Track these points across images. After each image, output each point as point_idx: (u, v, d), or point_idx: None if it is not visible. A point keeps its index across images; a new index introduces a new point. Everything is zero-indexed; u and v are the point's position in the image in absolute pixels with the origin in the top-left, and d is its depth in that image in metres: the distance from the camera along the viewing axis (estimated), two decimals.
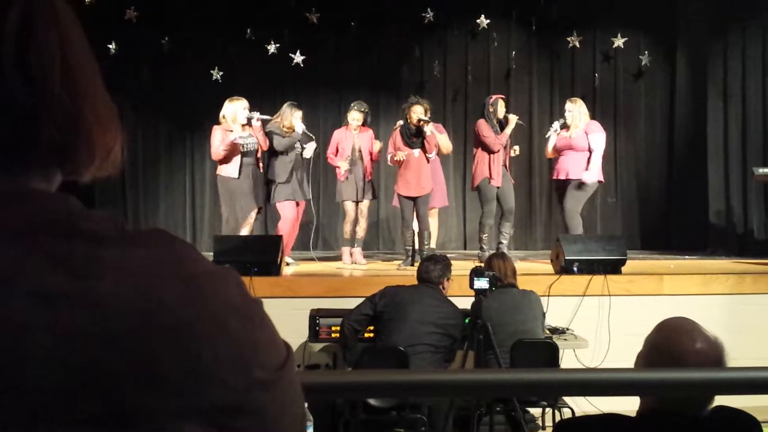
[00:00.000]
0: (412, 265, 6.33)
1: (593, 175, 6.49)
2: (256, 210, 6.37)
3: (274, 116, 6.43)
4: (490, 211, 6.57)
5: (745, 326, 5.24)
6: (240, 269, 4.78)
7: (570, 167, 6.50)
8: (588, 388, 1.60)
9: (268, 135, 6.36)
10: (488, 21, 8.85)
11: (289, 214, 6.40)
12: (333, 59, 8.76)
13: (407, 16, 8.71)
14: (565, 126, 6.61)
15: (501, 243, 6.53)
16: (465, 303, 4.16)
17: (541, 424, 4.67)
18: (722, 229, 8.17)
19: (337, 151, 6.69)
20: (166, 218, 8.81)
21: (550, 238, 7.94)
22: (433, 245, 6.71)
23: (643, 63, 9.01)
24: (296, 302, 4.96)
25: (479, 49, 9.08)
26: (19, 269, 0.47)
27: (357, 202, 6.68)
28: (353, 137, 6.66)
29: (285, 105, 6.51)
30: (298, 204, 6.49)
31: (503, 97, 6.96)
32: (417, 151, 6.38)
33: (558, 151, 6.63)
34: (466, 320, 4.07)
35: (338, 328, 4.45)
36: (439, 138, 6.58)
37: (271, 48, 8.61)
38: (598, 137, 6.57)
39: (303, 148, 6.48)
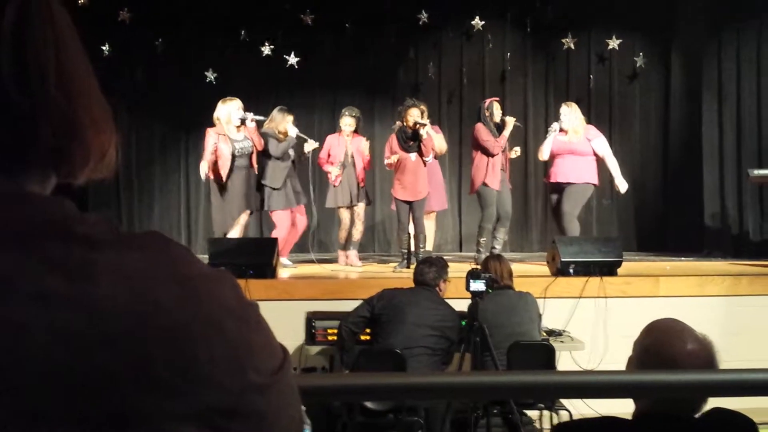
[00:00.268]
0: (408, 267, 6.33)
1: (623, 181, 6.64)
2: (247, 213, 6.36)
3: (267, 119, 6.42)
4: (490, 215, 6.56)
5: (741, 328, 5.25)
6: (235, 272, 4.75)
7: (570, 171, 6.49)
8: (585, 390, 1.60)
9: (264, 137, 6.35)
10: (483, 23, 8.87)
11: (283, 223, 6.41)
12: (328, 61, 8.76)
13: (402, 17, 8.72)
14: (561, 129, 6.60)
15: (494, 248, 6.54)
16: (462, 305, 4.16)
17: (538, 427, 4.66)
18: (718, 231, 8.19)
19: (329, 156, 6.68)
20: (161, 220, 8.80)
21: (546, 240, 7.96)
22: (429, 248, 6.71)
23: (637, 65, 9.04)
24: (292, 305, 4.95)
25: (474, 50, 9.09)
26: (18, 271, 0.48)
27: (351, 207, 6.67)
28: (346, 143, 6.66)
29: (275, 110, 6.49)
30: (293, 209, 6.49)
31: (498, 99, 6.97)
32: (413, 155, 6.37)
33: (554, 154, 6.61)
34: (463, 322, 4.07)
35: (334, 331, 4.45)
36: (435, 138, 6.59)
37: (266, 49, 8.61)
38: (602, 142, 6.62)
39: (300, 152, 6.47)
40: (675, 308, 4.99)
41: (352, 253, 6.77)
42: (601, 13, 8.89)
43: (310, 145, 6.46)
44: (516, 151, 6.79)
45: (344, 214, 6.70)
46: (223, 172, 6.13)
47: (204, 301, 0.52)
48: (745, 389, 1.46)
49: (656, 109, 9.20)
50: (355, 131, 6.72)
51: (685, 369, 1.66)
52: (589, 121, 7.01)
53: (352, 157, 6.64)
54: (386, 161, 6.56)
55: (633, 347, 1.82)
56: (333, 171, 6.59)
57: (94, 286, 0.48)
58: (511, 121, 6.60)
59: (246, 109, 6.39)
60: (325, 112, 8.67)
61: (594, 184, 6.66)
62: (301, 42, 8.64)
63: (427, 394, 1.79)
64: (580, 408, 4.18)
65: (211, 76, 8.55)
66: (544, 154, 6.69)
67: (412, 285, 4.37)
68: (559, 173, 6.56)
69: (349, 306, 4.42)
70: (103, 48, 8.15)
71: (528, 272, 5.83)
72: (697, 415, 1.70)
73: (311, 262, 6.76)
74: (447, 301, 4.29)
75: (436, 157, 6.87)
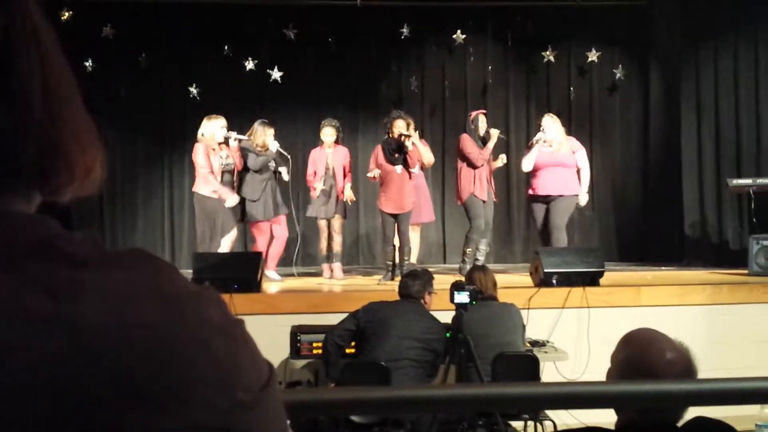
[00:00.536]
0: (392, 279, 6.33)
1: (587, 195, 6.68)
2: (235, 228, 6.36)
3: (248, 134, 6.42)
4: (478, 226, 6.56)
5: (723, 336, 5.30)
6: (220, 286, 4.76)
7: (559, 183, 6.49)
8: (569, 401, 1.60)
9: (243, 151, 6.35)
10: (464, 36, 8.93)
11: (262, 234, 6.40)
12: (311, 75, 8.79)
13: (384, 32, 8.76)
14: (544, 141, 6.63)
15: (477, 260, 6.55)
16: (446, 317, 4.16)
17: None
18: (698, 240, 8.27)
19: (315, 173, 6.69)
20: (145, 235, 8.74)
21: (529, 252, 7.98)
22: (413, 260, 6.71)
23: (617, 77, 9.14)
24: (277, 319, 4.93)
25: (456, 64, 9.15)
26: (2, 292, 0.47)
27: (329, 220, 6.67)
28: (326, 155, 6.67)
29: (256, 123, 6.49)
30: (272, 221, 6.45)
31: (484, 112, 7.01)
32: (399, 168, 6.38)
33: (540, 166, 6.58)
34: (447, 334, 4.07)
35: (320, 345, 4.43)
36: (422, 150, 6.61)
37: (249, 64, 8.61)
38: (584, 155, 6.68)
39: (278, 171, 6.46)
40: (657, 317, 5.02)
41: (336, 266, 6.76)
42: (580, 27, 8.99)
43: (285, 173, 6.44)
44: (502, 159, 6.80)
45: (322, 226, 6.71)
46: (215, 183, 6.14)
47: (189, 319, 0.51)
48: (728, 398, 1.48)
49: (636, 120, 9.29)
50: (336, 142, 6.73)
51: (666, 378, 1.67)
52: (569, 133, 7.06)
53: (333, 169, 6.64)
54: (368, 174, 6.58)
55: (611, 360, 1.82)
56: (318, 187, 6.60)
57: (77, 306, 0.48)
58: (495, 133, 6.64)
59: (229, 124, 6.39)
60: (309, 126, 8.66)
61: (576, 195, 6.70)
62: (285, 57, 8.66)
63: (412, 407, 1.79)
64: (564, 418, 4.20)
65: (194, 91, 8.53)
66: (527, 166, 6.65)
67: (398, 298, 4.37)
68: (548, 185, 6.52)
69: (334, 319, 4.41)
70: (87, 64, 8.12)
71: (511, 283, 5.85)
72: (679, 424, 1.71)
73: (291, 276, 6.73)
74: (432, 313, 4.29)
75: (422, 169, 6.88)
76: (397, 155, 6.39)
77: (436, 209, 8.86)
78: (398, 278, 6.26)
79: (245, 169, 6.38)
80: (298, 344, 4.58)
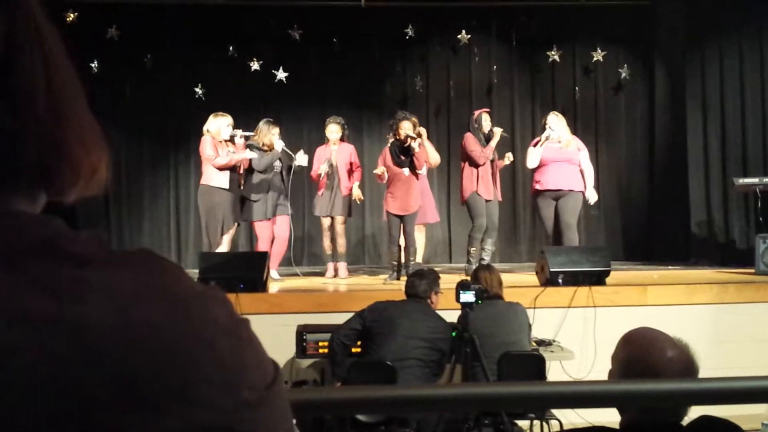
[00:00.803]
0: (398, 279, 6.33)
1: (594, 192, 6.66)
2: (234, 226, 6.39)
3: (253, 133, 6.43)
4: (480, 225, 6.56)
5: (729, 335, 5.28)
6: (226, 286, 4.76)
7: (566, 178, 6.48)
8: (576, 400, 1.60)
9: (249, 149, 6.35)
10: (469, 36, 8.93)
11: (263, 234, 6.41)
12: (315, 76, 8.79)
13: (389, 32, 8.76)
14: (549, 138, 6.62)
15: (482, 259, 6.55)
16: (452, 316, 4.16)
17: None
18: (704, 239, 8.25)
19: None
20: (151, 235, 8.77)
21: (535, 251, 7.98)
22: (419, 260, 6.71)
23: (622, 76, 9.12)
24: (283, 318, 4.94)
25: (461, 64, 9.15)
26: (3, 293, 0.47)
27: (332, 218, 6.67)
28: (331, 152, 6.67)
29: (261, 122, 6.49)
30: (272, 221, 6.45)
31: (488, 111, 7.00)
32: (406, 170, 6.38)
33: (547, 161, 6.55)
34: (453, 333, 4.07)
35: (325, 344, 4.43)
36: (429, 150, 6.61)
37: (254, 65, 8.62)
38: (586, 155, 6.67)
39: (289, 166, 6.47)
40: (663, 317, 5.01)
41: (341, 265, 6.76)
42: (585, 26, 8.97)
43: (300, 160, 6.44)
44: (509, 157, 6.79)
45: (326, 224, 6.71)
46: (226, 175, 6.16)
47: (195, 319, 0.51)
48: (735, 397, 1.47)
49: (641, 119, 9.27)
50: (341, 139, 6.73)
51: (668, 376, 1.67)
52: (574, 132, 7.05)
53: (337, 165, 6.63)
54: (375, 171, 6.58)
55: (612, 361, 1.82)
56: (323, 168, 6.58)
57: (82, 306, 0.47)
58: (498, 132, 6.63)
59: (235, 126, 6.41)
60: (314, 126, 8.68)
61: (582, 192, 6.69)
62: (289, 57, 8.67)
63: (418, 406, 1.79)
64: (570, 417, 4.19)
65: (199, 92, 8.55)
66: (532, 162, 6.64)
67: (404, 297, 4.37)
68: (558, 180, 6.49)
69: (339, 319, 4.41)
70: (92, 65, 8.15)
71: (517, 282, 5.84)
72: (684, 423, 1.70)
73: (296, 275, 6.74)
74: (438, 312, 4.29)
75: (429, 169, 6.88)
76: (403, 158, 6.38)
77: (442, 209, 8.87)
78: (404, 278, 6.27)
79: (249, 169, 6.39)
80: (304, 344, 4.58)
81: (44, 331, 0.46)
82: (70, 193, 0.57)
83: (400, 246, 6.52)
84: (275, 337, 4.52)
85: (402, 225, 6.46)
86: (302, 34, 8.70)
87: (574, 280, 5.42)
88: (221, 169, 6.18)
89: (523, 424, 4.35)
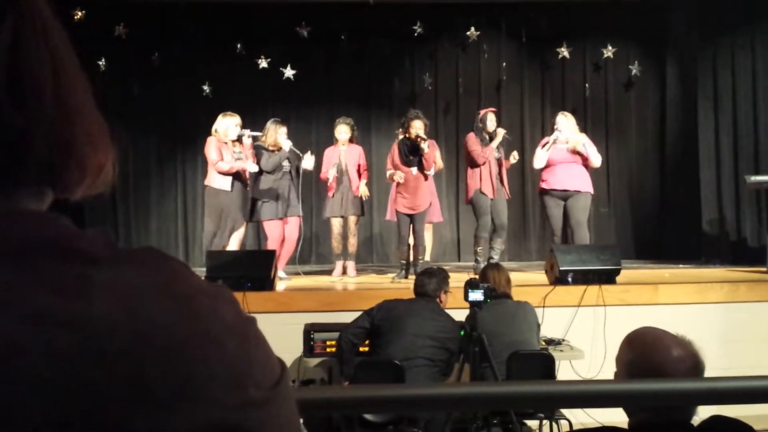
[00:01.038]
0: (406, 278, 6.34)
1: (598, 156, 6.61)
2: (244, 225, 6.39)
3: (261, 133, 6.43)
4: (485, 224, 6.57)
5: (741, 334, 5.26)
6: (233, 284, 4.77)
7: (573, 179, 6.47)
8: (585, 399, 1.59)
9: (257, 152, 6.36)
10: (478, 33, 8.91)
11: (274, 234, 6.41)
12: (324, 73, 8.81)
13: (397, 29, 8.76)
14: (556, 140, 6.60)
15: (492, 258, 6.54)
16: (460, 315, 4.15)
17: None
18: (716, 238, 8.20)
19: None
20: (158, 234, 8.80)
21: (544, 249, 7.96)
22: (427, 258, 6.71)
23: (633, 73, 9.08)
24: (290, 317, 4.94)
25: (470, 61, 9.13)
26: (11, 291, 0.47)
27: (344, 218, 6.66)
28: (340, 152, 6.67)
29: (269, 122, 6.49)
30: (284, 221, 6.46)
31: (494, 110, 6.98)
32: (414, 170, 6.38)
33: (555, 162, 6.55)
34: (461, 333, 4.06)
35: (333, 343, 4.43)
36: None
37: (262, 62, 8.63)
38: (594, 150, 6.65)
39: (297, 167, 6.47)
40: (674, 315, 4.99)
41: (350, 264, 6.76)
42: (595, 23, 8.94)
43: (307, 163, 6.44)
44: (514, 156, 6.78)
45: (335, 224, 6.69)
46: (228, 178, 6.17)
47: (202, 317, 0.51)
48: (747, 396, 1.46)
49: (652, 116, 9.23)
50: (351, 140, 6.72)
51: (675, 376, 1.65)
52: (584, 130, 7.03)
53: (346, 166, 6.63)
54: (392, 176, 6.54)
55: (616, 363, 1.80)
56: (331, 173, 6.58)
57: (88, 304, 0.47)
58: (501, 133, 6.61)
59: (243, 123, 6.41)
60: (322, 124, 8.70)
61: (591, 192, 6.67)
62: (297, 55, 8.68)
63: (426, 405, 1.78)
64: (580, 417, 4.18)
65: (207, 90, 8.57)
66: (539, 163, 6.64)
67: (413, 296, 4.36)
68: (565, 181, 6.49)
69: (347, 318, 4.41)
70: (100, 63, 8.18)
71: (526, 281, 5.83)
72: (696, 423, 1.69)
73: (297, 275, 6.73)
74: (447, 311, 4.28)
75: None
76: (412, 157, 6.37)
77: (451, 208, 8.87)
78: (412, 276, 6.27)
79: (258, 169, 6.39)
80: (312, 342, 4.59)
81: (51, 329, 0.46)
82: (77, 191, 0.57)
83: (409, 245, 6.52)
84: (282, 336, 4.52)
85: (411, 224, 6.46)
86: (310, 31, 8.71)
87: (584, 278, 5.40)
88: (223, 173, 6.18)
89: (532, 423, 4.34)
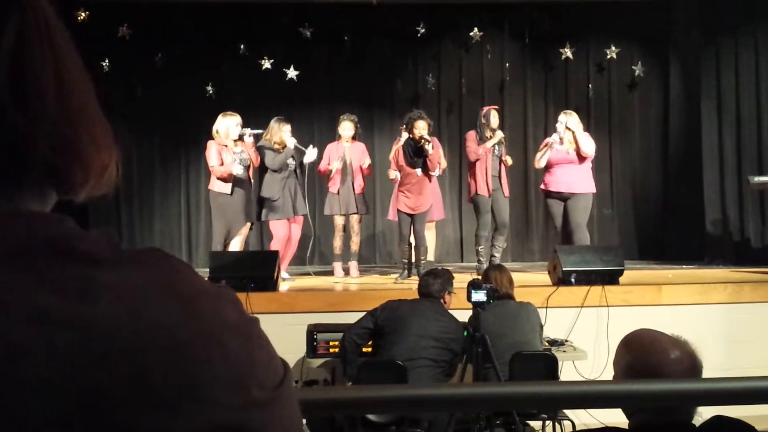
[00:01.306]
0: (409, 277, 6.33)
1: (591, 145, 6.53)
2: (248, 226, 6.38)
3: (264, 132, 6.43)
4: (485, 222, 6.57)
5: (744, 335, 5.25)
6: (236, 285, 4.78)
7: (572, 180, 6.47)
8: (588, 400, 1.59)
9: (260, 151, 6.35)
10: (481, 33, 8.90)
11: (280, 234, 6.40)
12: (327, 74, 8.80)
13: (400, 29, 8.76)
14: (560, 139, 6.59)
15: (493, 257, 6.54)
16: (463, 316, 4.15)
17: None
18: (719, 238, 8.18)
19: (329, 164, 6.67)
20: (162, 235, 8.81)
21: (547, 250, 7.95)
22: (431, 258, 6.71)
23: (636, 74, 9.07)
24: (293, 317, 4.94)
25: (473, 61, 9.13)
26: (14, 289, 0.47)
27: (347, 216, 6.65)
28: (344, 149, 6.66)
29: (272, 120, 6.49)
30: (291, 220, 6.47)
31: (497, 108, 6.98)
32: (419, 171, 6.37)
33: (554, 163, 6.56)
34: (464, 333, 4.06)
35: (336, 344, 4.43)
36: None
37: (265, 63, 8.64)
38: (592, 144, 6.60)
39: (300, 161, 6.47)
40: (677, 316, 4.99)
41: (352, 264, 6.75)
42: (598, 23, 8.94)
43: (309, 156, 6.45)
44: (508, 159, 6.76)
45: (339, 223, 6.68)
46: (228, 181, 6.17)
47: (204, 318, 0.51)
48: (749, 397, 1.46)
49: (655, 117, 9.22)
50: (354, 138, 6.72)
51: (674, 377, 1.65)
52: (587, 131, 7.01)
53: (350, 163, 6.62)
54: (390, 176, 6.53)
55: (614, 366, 1.80)
56: (335, 165, 6.57)
57: (92, 305, 0.47)
58: (498, 136, 6.61)
59: (246, 123, 6.41)
60: (325, 124, 8.69)
61: (593, 193, 6.65)
62: (300, 55, 8.68)
63: (429, 406, 1.78)
64: (583, 418, 4.17)
65: (210, 90, 8.57)
66: (540, 163, 6.66)
67: (417, 296, 4.35)
68: (562, 182, 6.50)
69: (350, 318, 4.41)
70: (103, 64, 8.19)
71: (529, 282, 5.82)
72: (698, 424, 1.69)
73: (308, 275, 6.75)
74: (450, 312, 4.28)
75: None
76: (416, 158, 6.37)
77: (454, 208, 8.86)
78: (415, 276, 6.27)
79: (263, 168, 6.38)
80: (315, 343, 4.59)
81: (55, 330, 0.46)
82: (81, 192, 0.57)
83: (410, 244, 6.52)
84: (286, 336, 4.52)
85: (412, 224, 6.45)
86: (313, 32, 8.71)
87: (587, 279, 5.40)
88: (221, 179, 6.18)
89: (535, 424, 4.34)
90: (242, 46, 8.60)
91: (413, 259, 6.49)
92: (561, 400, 1.76)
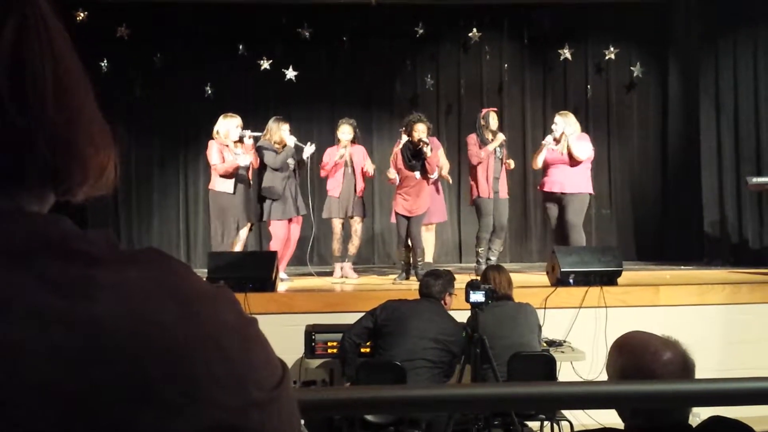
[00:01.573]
0: (407, 279, 6.33)
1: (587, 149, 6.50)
2: (248, 226, 6.38)
3: (263, 133, 6.42)
4: (487, 225, 6.58)
5: (742, 336, 5.25)
6: (235, 285, 4.77)
7: (566, 181, 6.48)
8: (586, 401, 1.59)
9: (259, 152, 6.35)
10: (480, 34, 8.91)
11: (280, 234, 6.39)
12: (325, 74, 8.81)
13: (399, 30, 8.76)
14: (555, 139, 6.60)
15: (489, 259, 6.54)
16: (461, 316, 4.15)
17: None
18: (717, 239, 8.19)
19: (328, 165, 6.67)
20: (160, 235, 8.80)
21: (546, 251, 7.95)
22: (429, 259, 6.71)
23: (635, 74, 9.07)
24: (292, 318, 4.94)
25: (471, 62, 9.14)
26: (14, 289, 0.47)
27: (348, 219, 6.65)
28: (345, 151, 6.65)
29: (271, 121, 6.48)
30: (291, 221, 6.48)
31: (495, 110, 6.98)
32: (417, 174, 6.36)
33: (549, 163, 6.59)
34: (463, 334, 4.05)
35: (334, 344, 4.43)
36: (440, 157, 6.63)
37: (264, 64, 8.64)
38: (584, 144, 6.59)
39: (300, 159, 6.47)
40: (675, 317, 4.99)
41: (347, 266, 6.73)
42: (597, 24, 8.94)
43: (308, 151, 6.45)
44: (509, 164, 6.77)
45: (337, 226, 6.67)
46: (230, 180, 6.17)
47: (203, 318, 0.51)
48: (746, 398, 1.46)
49: (654, 117, 9.23)
50: (353, 141, 6.72)
51: (667, 378, 1.65)
52: (586, 132, 7.02)
53: (352, 166, 6.62)
54: (390, 175, 6.53)
55: (607, 370, 1.80)
56: (340, 152, 6.54)
57: (92, 305, 0.48)
58: (500, 138, 6.62)
59: (245, 124, 6.41)
60: (324, 125, 8.69)
61: (589, 194, 6.66)
62: (299, 56, 8.68)
63: (428, 406, 1.78)
64: (581, 418, 4.18)
65: (209, 91, 8.57)
66: (537, 163, 6.71)
67: (417, 297, 4.35)
68: (555, 183, 6.53)
69: (349, 319, 4.41)
70: (102, 64, 8.18)
71: (527, 283, 5.83)
72: (695, 425, 1.69)
73: (309, 275, 6.74)
74: (450, 314, 4.27)
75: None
76: (415, 161, 6.36)
77: (452, 209, 8.85)
78: (413, 278, 6.27)
79: (263, 168, 6.38)
80: (313, 344, 4.58)
81: (56, 330, 0.46)
82: (79, 192, 0.57)
83: (408, 246, 6.52)
84: (284, 337, 4.52)
85: (408, 226, 6.45)
86: (312, 32, 8.71)
87: (586, 280, 5.40)
88: (223, 175, 6.18)
89: (533, 425, 4.34)
90: (241, 47, 8.60)
91: (411, 261, 6.49)
92: (559, 401, 1.76)
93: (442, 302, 4.26)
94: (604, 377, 4.75)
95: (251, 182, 6.41)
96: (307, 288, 6.04)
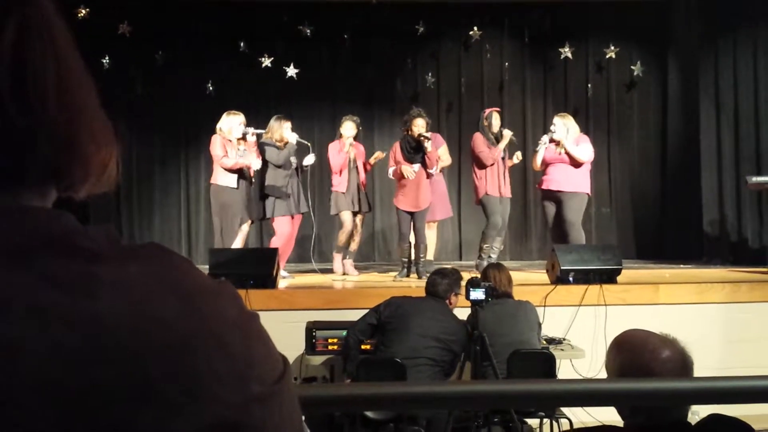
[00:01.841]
0: (408, 276, 6.33)
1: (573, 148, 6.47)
2: (249, 222, 6.38)
3: (265, 131, 6.43)
4: (495, 222, 6.58)
5: (742, 335, 5.25)
6: (236, 282, 4.74)
7: (564, 180, 6.48)
8: (586, 398, 1.59)
9: (261, 149, 6.35)
10: (480, 32, 8.90)
11: (284, 230, 6.39)
12: (327, 72, 8.80)
13: (400, 28, 8.76)
14: (552, 140, 6.59)
15: (489, 257, 6.54)
16: (462, 314, 4.15)
17: None
18: (717, 238, 8.19)
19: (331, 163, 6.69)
20: (162, 231, 8.80)
21: (546, 249, 7.95)
22: (430, 257, 6.71)
23: (635, 73, 9.07)
24: (292, 315, 4.94)
25: (472, 60, 9.13)
26: (15, 285, 0.47)
27: (355, 213, 6.67)
28: (347, 147, 6.66)
29: (272, 119, 6.49)
30: (293, 217, 6.49)
31: (498, 110, 6.98)
32: (417, 166, 6.37)
33: (548, 162, 6.59)
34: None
35: (335, 341, 4.43)
36: (440, 152, 6.61)
37: (265, 61, 8.64)
38: (585, 147, 6.58)
39: (300, 162, 6.48)
40: (675, 316, 4.99)
41: (348, 262, 6.74)
42: (597, 23, 8.94)
43: (308, 160, 6.46)
44: (517, 156, 6.79)
45: (348, 218, 6.66)
46: (233, 175, 6.17)
47: (205, 314, 0.51)
48: (746, 396, 1.46)
49: (654, 116, 9.22)
50: (355, 138, 6.73)
51: (666, 375, 1.65)
52: (586, 131, 7.02)
53: (355, 162, 6.63)
54: (396, 171, 6.53)
55: (606, 368, 1.80)
56: (347, 142, 6.54)
57: (93, 301, 0.48)
58: (508, 135, 6.62)
59: (246, 122, 6.42)
60: (325, 123, 8.70)
61: (587, 194, 6.65)
62: (300, 54, 8.68)
63: (428, 403, 1.78)
64: (580, 416, 4.18)
65: (210, 88, 8.57)
66: (537, 164, 6.73)
67: (422, 294, 4.34)
68: (552, 181, 6.54)
69: (349, 315, 4.41)
70: (104, 61, 8.18)
71: (527, 280, 5.83)
72: (694, 422, 1.69)
73: (313, 271, 6.75)
74: (454, 313, 4.26)
75: (440, 170, 6.88)
76: (415, 155, 6.37)
77: (453, 207, 8.83)
78: (414, 275, 6.27)
79: (266, 165, 6.38)
80: (314, 340, 4.59)
81: (56, 329, 0.46)
82: (81, 189, 0.57)
83: (410, 243, 6.52)
84: (285, 333, 4.52)
85: (412, 222, 6.45)
86: (313, 30, 8.71)
87: (585, 278, 5.40)
88: (228, 170, 6.19)
89: (532, 422, 4.34)
90: (242, 44, 8.60)
91: (413, 258, 6.49)
92: (558, 398, 1.76)
93: (447, 301, 4.25)
94: (604, 375, 4.75)
95: (253, 180, 6.41)
96: (308, 285, 6.04)
